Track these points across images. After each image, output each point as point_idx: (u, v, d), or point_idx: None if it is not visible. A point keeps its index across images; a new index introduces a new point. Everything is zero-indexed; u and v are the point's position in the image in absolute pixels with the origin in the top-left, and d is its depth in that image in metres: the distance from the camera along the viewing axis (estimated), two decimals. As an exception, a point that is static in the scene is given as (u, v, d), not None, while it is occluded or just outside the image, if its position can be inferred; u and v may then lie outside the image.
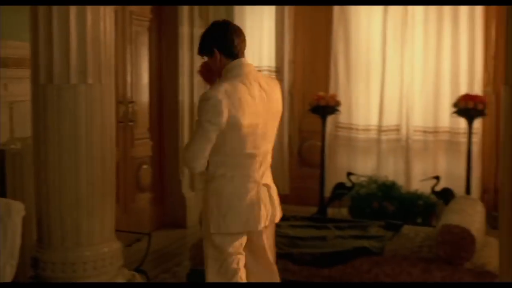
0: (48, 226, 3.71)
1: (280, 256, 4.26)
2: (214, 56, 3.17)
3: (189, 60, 6.70)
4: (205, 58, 3.26)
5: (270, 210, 3.23)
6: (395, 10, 7.08)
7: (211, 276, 3.20)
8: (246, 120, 3.03)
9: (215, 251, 3.17)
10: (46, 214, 3.71)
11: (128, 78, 6.12)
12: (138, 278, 4.06)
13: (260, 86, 3.14)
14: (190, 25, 6.70)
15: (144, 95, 6.42)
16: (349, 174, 6.70)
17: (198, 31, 6.67)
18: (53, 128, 3.64)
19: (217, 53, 3.15)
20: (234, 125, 3.01)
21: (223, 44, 3.15)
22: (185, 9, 6.63)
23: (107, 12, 3.76)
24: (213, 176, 3.12)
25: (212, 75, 3.27)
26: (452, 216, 4.32)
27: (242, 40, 3.20)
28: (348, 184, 6.66)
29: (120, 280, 3.83)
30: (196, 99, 6.71)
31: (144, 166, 6.43)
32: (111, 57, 3.83)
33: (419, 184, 6.61)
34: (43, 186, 3.71)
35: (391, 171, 7.07)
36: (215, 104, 2.97)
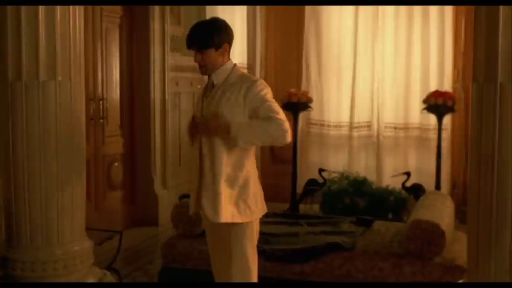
0: (17, 224, 3.65)
1: (252, 253, 4.28)
2: (220, 50, 3.17)
3: (160, 56, 6.67)
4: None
5: None
6: (366, 8, 7.13)
7: (252, 265, 3.27)
8: None
9: (257, 234, 3.31)
10: (15, 212, 3.65)
11: (99, 75, 6.07)
12: (109, 277, 4.02)
13: None
14: (162, 22, 6.66)
15: (115, 92, 6.37)
16: (321, 170, 6.72)
17: (170, 28, 6.66)
18: (21, 126, 3.58)
19: (228, 49, 3.20)
20: None
21: (232, 40, 3.24)
22: (156, 6, 6.59)
23: (77, 8, 3.71)
24: (252, 159, 3.30)
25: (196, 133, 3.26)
26: (422, 211, 4.37)
27: None
28: (320, 180, 6.68)
29: (91, 279, 3.79)
30: (168, 96, 6.70)
31: (115, 164, 6.38)
32: (81, 54, 3.78)
33: (390, 179, 6.68)
34: (11, 184, 3.66)
35: (363, 167, 7.13)
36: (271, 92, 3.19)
